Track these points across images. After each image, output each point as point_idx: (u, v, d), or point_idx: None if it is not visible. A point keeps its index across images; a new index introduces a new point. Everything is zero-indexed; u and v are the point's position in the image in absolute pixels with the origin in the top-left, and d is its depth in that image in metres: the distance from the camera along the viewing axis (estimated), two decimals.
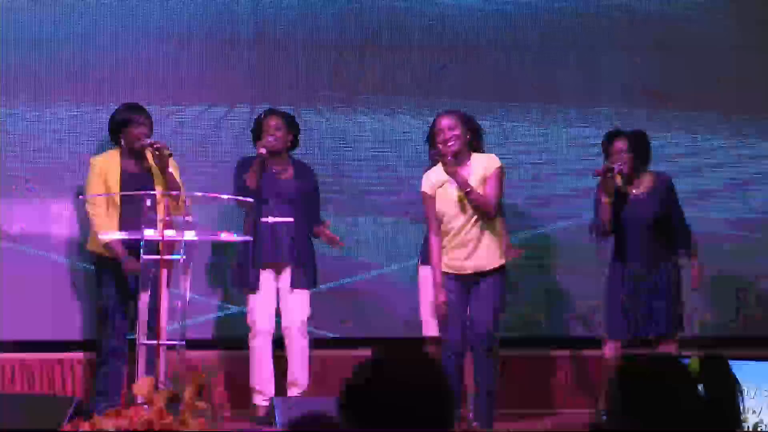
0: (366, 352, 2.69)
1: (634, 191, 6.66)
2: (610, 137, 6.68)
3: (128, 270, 6.50)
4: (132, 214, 6.38)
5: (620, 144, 6.62)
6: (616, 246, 6.69)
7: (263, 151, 6.69)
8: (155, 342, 5.86)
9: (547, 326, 7.60)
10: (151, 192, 6.20)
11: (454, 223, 6.25)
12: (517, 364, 7.31)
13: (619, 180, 6.63)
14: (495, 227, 6.30)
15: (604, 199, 6.55)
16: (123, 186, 6.59)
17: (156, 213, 5.88)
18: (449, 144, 6.22)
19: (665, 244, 6.63)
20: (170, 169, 6.54)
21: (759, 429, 4.83)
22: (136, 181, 6.59)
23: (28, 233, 7.13)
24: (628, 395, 2.88)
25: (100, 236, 6.43)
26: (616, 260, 6.69)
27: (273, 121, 6.82)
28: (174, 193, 6.39)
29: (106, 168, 6.66)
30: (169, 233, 5.81)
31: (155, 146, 6.49)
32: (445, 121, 6.28)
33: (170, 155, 6.51)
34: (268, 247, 6.76)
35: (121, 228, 6.41)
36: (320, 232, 6.82)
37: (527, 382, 7.40)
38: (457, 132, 6.25)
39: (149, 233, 5.82)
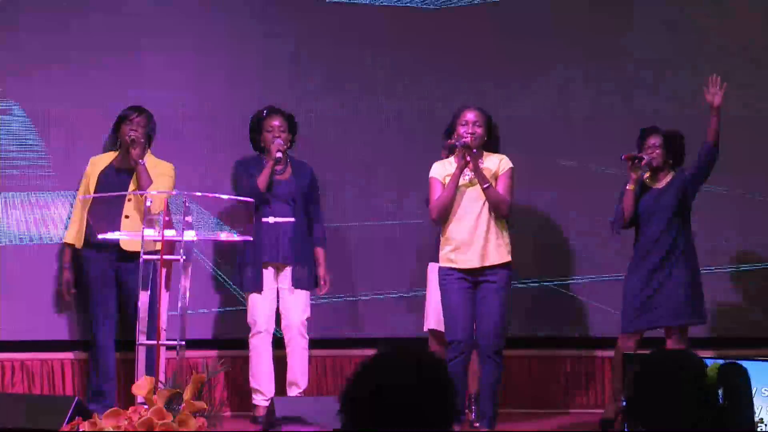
0: (366, 352, 2.69)
1: (655, 185, 6.73)
2: (646, 133, 6.77)
3: (59, 282, 6.80)
4: (102, 211, 6.47)
5: (654, 140, 6.72)
6: (636, 239, 6.74)
7: (280, 155, 6.72)
8: (155, 342, 5.86)
9: (547, 326, 7.59)
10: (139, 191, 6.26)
11: (464, 217, 6.26)
12: (517, 364, 7.31)
13: (647, 175, 6.70)
14: (503, 224, 6.31)
15: (629, 186, 6.64)
16: (98, 183, 6.66)
17: (122, 211, 5.92)
18: (469, 138, 6.23)
19: (681, 237, 6.66)
20: (143, 162, 6.58)
21: (759, 429, 4.83)
22: (113, 179, 6.66)
23: (29, 232, 7.13)
24: (646, 391, 2.87)
25: (99, 236, 6.44)
26: (636, 254, 6.74)
27: (277, 122, 6.84)
28: (165, 192, 6.39)
29: (95, 167, 6.75)
30: (170, 233, 5.82)
31: (131, 137, 6.56)
32: (471, 115, 6.30)
33: (133, 141, 6.57)
34: (269, 247, 6.77)
35: (94, 226, 6.46)
36: (319, 264, 6.90)
37: (527, 382, 7.40)
38: (480, 130, 6.28)
39: (149, 233, 5.83)
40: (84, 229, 6.68)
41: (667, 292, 6.60)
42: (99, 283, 6.72)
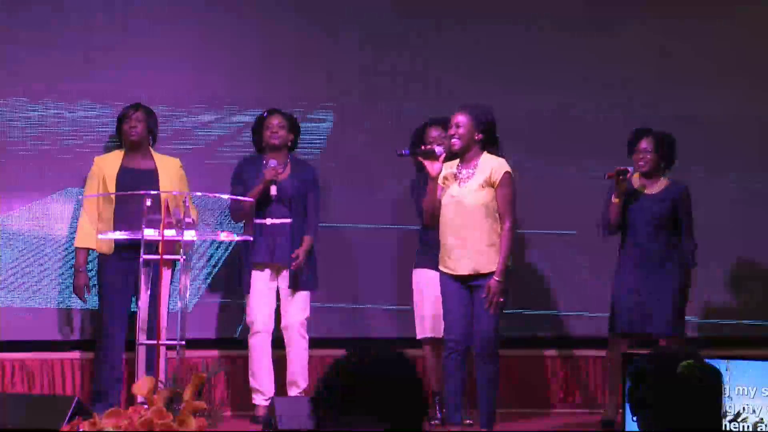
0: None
1: (647, 191, 6.71)
2: (638, 135, 6.73)
3: (75, 284, 6.72)
4: (126, 212, 6.42)
5: (645, 143, 6.69)
6: (625, 242, 6.73)
7: (274, 192, 6.70)
8: (155, 342, 5.86)
9: (547, 326, 7.60)
10: (152, 192, 6.18)
11: (453, 222, 6.23)
12: (517, 364, 7.31)
13: (636, 179, 6.68)
14: (494, 230, 6.25)
15: (615, 200, 6.60)
16: (119, 184, 6.63)
17: (158, 212, 5.85)
18: (452, 141, 6.21)
19: (673, 246, 6.66)
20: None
21: (759, 429, 4.83)
22: (134, 179, 6.61)
23: (29, 232, 7.12)
24: (652, 391, 2.87)
25: (99, 236, 6.44)
26: (624, 256, 6.73)
27: (276, 120, 6.86)
28: (175, 193, 6.38)
29: (105, 166, 6.72)
30: (169, 233, 5.81)
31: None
32: (456, 117, 6.26)
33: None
34: (266, 248, 6.76)
35: (115, 227, 6.42)
36: (301, 245, 6.81)
37: (527, 382, 7.40)
38: (462, 130, 6.22)
39: (149, 233, 5.82)
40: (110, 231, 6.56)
41: (661, 302, 6.59)
42: (115, 284, 6.67)
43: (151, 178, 6.64)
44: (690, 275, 6.73)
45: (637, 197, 6.71)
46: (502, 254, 6.15)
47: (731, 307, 7.71)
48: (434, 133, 6.67)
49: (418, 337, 6.93)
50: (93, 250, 6.74)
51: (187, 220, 5.84)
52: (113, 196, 6.55)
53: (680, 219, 6.70)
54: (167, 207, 5.85)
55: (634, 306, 6.63)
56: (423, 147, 6.27)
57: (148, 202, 5.86)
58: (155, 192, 6.20)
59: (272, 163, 6.76)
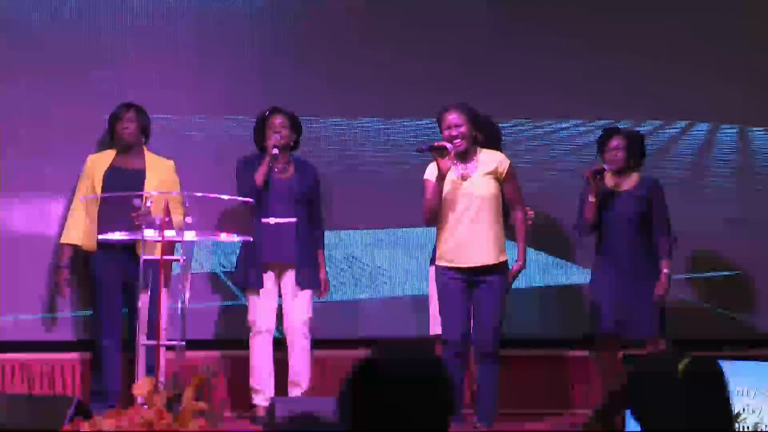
0: (367, 353, 2.70)
1: (621, 188, 6.73)
2: (608, 134, 6.76)
3: (55, 281, 6.74)
4: (111, 212, 6.42)
5: (616, 142, 6.72)
6: (601, 243, 6.74)
7: (276, 151, 6.71)
8: (155, 342, 5.86)
9: (546, 326, 7.60)
10: (149, 192, 6.19)
11: (458, 216, 6.24)
12: (517, 364, 7.31)
13: (609, 178, 6.70)
14: (499, 222, 6.28)
15: (591, 199, 6.62)
16: (105, 182, 6.63)
17: (148, 212, 5.84)
18: (456, 142, 6.21)
19: (648, 244, 6.68)
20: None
21: (759, 429, 4.83)
22: (121, 179, 6.61)
23: (29, 232, 7.13)
24: (645, 394, 2.87)
25: (99, 237, 6.43)
26: (600, 257, 6.74)
27: (279, 119, 6.85)
28: (166, 193, 6.37)
29: (96, 164, 6.72)
30: (169, 233, 5.81)
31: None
32: (452, 117, 6.26)
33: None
34: (270, 247, 6.76)
35: (99, 227, 6.41)
36: (320, 266, 6.91)
37: (527, 382, 7.40)
38: (463, 129, 6.24)
39: (149, 233, 5.81)
40: (95, 229, 6.59)
41: (644, 303, 6.60)
42: (108, 285, 6.68)
43: (137, 179, 6.65)
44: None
45: (612, 195, 6.73)
46: (523, 240, 6.34)
47: (730, 305, 7.72)
48: None
49: (431, 333, 6.91)
50: (79, 247, 6.76)
51: (187, 220, 5.83)
52: (99, 195, 6.57)
53: (655, 214, 6.71)
54: (167, 208, 5.84)
55: (617, 309, 6.62)
56: (435, 143, 6.25)
57: (137, 202, 5.87)
58: (155, 192, 6.21)
59: (276, 136, 6.76)
